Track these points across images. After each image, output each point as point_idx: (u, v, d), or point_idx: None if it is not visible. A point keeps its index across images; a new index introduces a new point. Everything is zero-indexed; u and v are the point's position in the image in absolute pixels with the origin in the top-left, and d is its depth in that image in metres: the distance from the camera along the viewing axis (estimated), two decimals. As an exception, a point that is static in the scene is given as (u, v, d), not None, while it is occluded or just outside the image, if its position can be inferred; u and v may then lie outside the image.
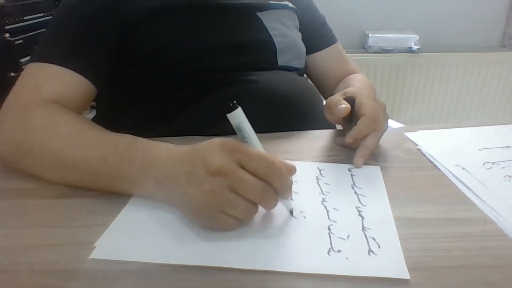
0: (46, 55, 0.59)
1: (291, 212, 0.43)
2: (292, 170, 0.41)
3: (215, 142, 0.40)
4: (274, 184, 0.39)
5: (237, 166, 0.38)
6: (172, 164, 0.42)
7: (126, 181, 0.45)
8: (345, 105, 0.56)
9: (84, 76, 0.59)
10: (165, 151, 0.44)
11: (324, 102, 0.63)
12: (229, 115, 0.39)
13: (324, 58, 0.88)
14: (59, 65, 0.58)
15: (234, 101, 0.39)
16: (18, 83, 0.58)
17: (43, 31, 0.63)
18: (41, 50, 0.61)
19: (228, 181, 0.37)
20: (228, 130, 0.43)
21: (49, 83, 0.57)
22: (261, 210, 0.42)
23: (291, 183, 0.40)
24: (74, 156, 0.48)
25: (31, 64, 0.59)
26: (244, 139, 0.40)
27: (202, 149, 0.40)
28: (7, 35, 1.28)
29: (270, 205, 0.40)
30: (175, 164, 0.42)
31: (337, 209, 0.44)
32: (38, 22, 1.45)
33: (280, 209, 0.44)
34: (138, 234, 0.40)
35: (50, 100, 0.55)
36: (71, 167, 0.48)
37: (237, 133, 0.40)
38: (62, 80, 0.58)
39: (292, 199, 0.45)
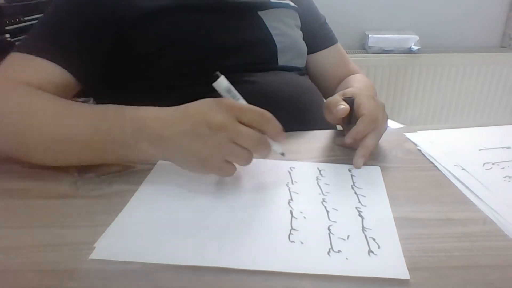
0: (31, 46, 0.59)
1: (282, 154, 0.50)
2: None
3: (210, 100, 0.45)
4: (267, 130, 0.45)
5: (235, 121, 0.43)
6: (164, 125, 0.45)
7: (120, 145, 0.47)
8: (344, 106, 0.56)
9: (65, 69, 0.59)
10: (152, 113, 0.47)
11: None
12: (217, 82, 0.45)
13: (324, 58, 0.88)
14: (41, 57, 0.58)
15: (216, 72, 0.45)
16: None
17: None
18: (27, 41, 0.61)
19: (229, 134, 0.43)
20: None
21: (28, 70, 0.57)
22: (262, 215, 0.42)
23: (280, 127, 0.46)
24: (64, 129, 0.49)
25: (14, 53, 0.59)
26: (236, 98, 0.46)
27: (198, 109, 0.45)
28: (7, 35, 1.28)
29: (264, 152, 0.46)
30: (169, 124, 0.45)
31: (337, 210, 0.44)
32: (38, 22, 1.45)
33: (281, 210, 0.44)
34: (138, 234, 0.40)
35: (28, 83, 0.55)
36: (61, 141, 0.48)
37: (229, 94, 0.46)
38: (41, 70, 0.58)
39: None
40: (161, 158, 0.48)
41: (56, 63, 0.59)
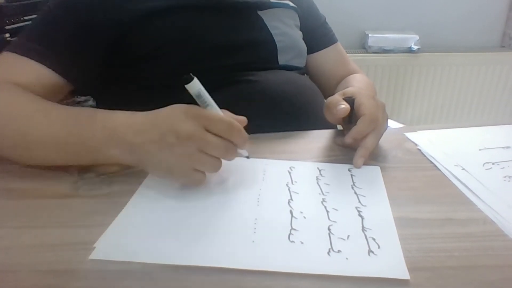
0: (21, 47, 0.59)
1: (247, 157, 0.51)
2: (243, 122, 0.48)
3: (178, 109, 0.44)
4: (235, 140, 0.45)
5: (203, 130, 0.43)
6: (134, 133, 0.45)
7: (92, 151, 0.48)
8: (344, 106, 0.56)
9: (53, 70, 0.59)
10: (124, 120, 0.47)
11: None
12: (188, 85, 0.43)
13: (324, 58, 0.88)
14: (29, 57, 0.58)
15: (190, 73, 0.43)
16: None
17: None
18: (19, 41, 0.61)
19: (197, 144, 0.43)
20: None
21: (16, 71, 0.58)
22: (262, 215, 0.42)
23: (247, 136, 0.46)
24: (38, 133, 0.49)
25: (5, 53, 0.59)
26: (205, 104, 0.45)
27: (167, 117, 0.45)
28: (7, 35, 1.28)
29: (231, 158, 0.47)
30: (139, 132, 0.45)
31: (337, 209, 0.44)
32: (38, 22, 1.44)
33: (281, 210, 0.44)
34: (138, 234, 0.40)
35: (16, 83, 0.55)
36: (36, 145, 0.49)
37: (198, 99, 0.45)
38: (30, 70, 0.58)
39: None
40: (134, 164, 0.49)
41: (43, 64, 0.59)
